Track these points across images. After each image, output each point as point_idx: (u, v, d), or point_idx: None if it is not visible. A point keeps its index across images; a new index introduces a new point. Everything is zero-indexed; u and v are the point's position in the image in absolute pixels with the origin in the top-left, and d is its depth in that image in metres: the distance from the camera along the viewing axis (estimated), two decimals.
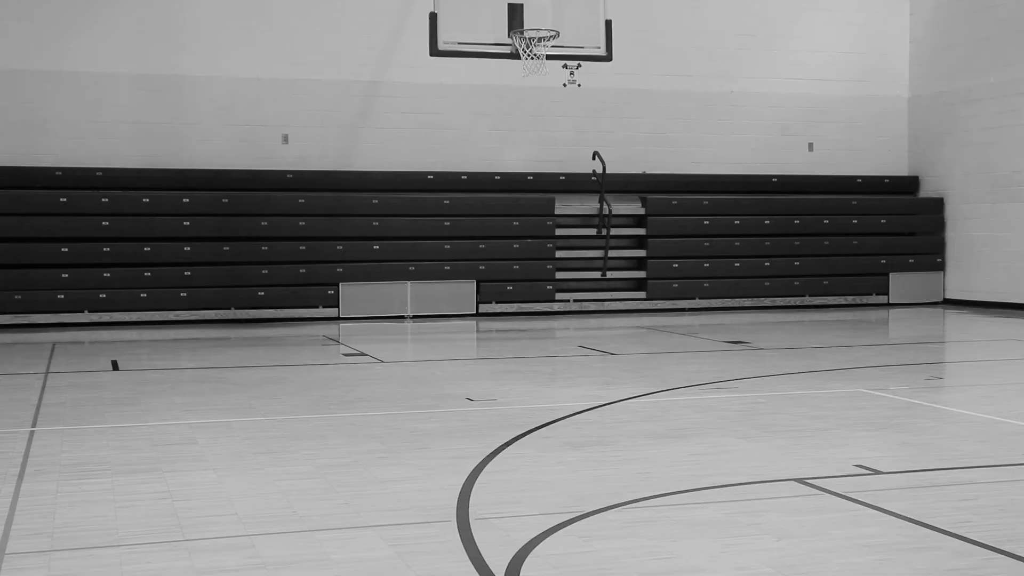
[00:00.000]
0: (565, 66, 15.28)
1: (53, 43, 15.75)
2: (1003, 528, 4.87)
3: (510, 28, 13.65)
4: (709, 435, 7.10)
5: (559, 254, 17.21)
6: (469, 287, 16.73)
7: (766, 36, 18.56)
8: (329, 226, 16.30)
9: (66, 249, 15.23)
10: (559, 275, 17.24)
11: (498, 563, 4.37)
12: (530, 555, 4.46)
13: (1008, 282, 17.32)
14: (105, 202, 15.47)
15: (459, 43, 13.74)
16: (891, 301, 18.38)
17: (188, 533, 4.83)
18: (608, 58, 14.42)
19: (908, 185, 19.15)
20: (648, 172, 17.98)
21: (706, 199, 17.86)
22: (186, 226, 15.72)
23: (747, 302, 17.84)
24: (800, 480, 5.77)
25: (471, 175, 17.14)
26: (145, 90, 16.10)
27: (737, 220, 17.92)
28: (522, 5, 13.57)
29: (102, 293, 15.29)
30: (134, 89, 16.06)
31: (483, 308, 16.76)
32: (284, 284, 15.98)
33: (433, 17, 13.61)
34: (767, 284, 17.93)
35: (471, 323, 15.98)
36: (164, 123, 16.19)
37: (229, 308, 15.78)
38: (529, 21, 13.56)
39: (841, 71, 18.86)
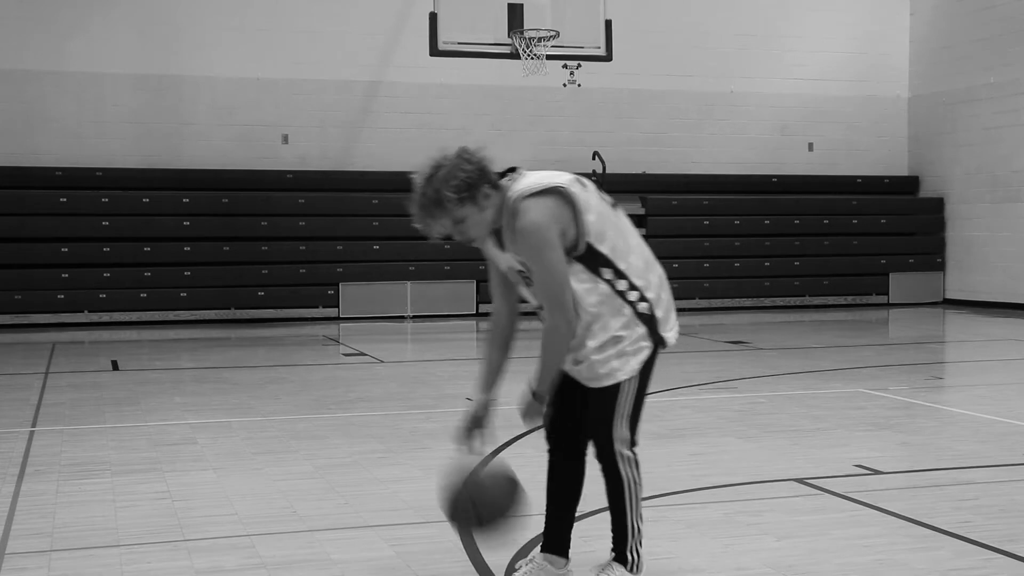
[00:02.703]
0: (565, 66, 15.29)
1: (53, 43, 15.73)
2: (1003, 528, 4.87)
3: (510, 28, 13.65)
4: (709, 435, 7.09)
5: None
6: (469, 287, 16.73)
7: (766, 36, 18.54)
8: (329, 226, 16.29)
9: (66, 249, 15.22)
10: None
11: (498, 563, 4.37)
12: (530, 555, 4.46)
13: (1008, 282, 17.31)
14: (105, 202, 15.46)
15: (459, 43, 13.74)
16: (891, 301, 18.37)
17: (188, 533, 4.83)
18: (608, 58, 14.41)
19: (908, 185, 19.15)
20: (648, 172, 17.97)
21: (706, 199, 17.85)
22: (186, 226, 15.71)
23: (747, 302, 17.83)
24: (800, 480, 5.77)
25: None
26: (145, 90, 16.09)
27: (737, 220, 17.90)
28: (522, 5, 13.57)
29: (102, 293, 15.29)
30: (134, 89, 16.06)
31: (483, 308, 16.74)
32: (284, 284, 15.97)
33: (433, 17, 13.61)
34: (767, 284, 17.92)
35: (471, 323, 15.97)
36: (164, 123, 16.18)
37: (229, 308, 15.77)
38: (529, 21, 13.56)
39: (841, 71, 18.85)
